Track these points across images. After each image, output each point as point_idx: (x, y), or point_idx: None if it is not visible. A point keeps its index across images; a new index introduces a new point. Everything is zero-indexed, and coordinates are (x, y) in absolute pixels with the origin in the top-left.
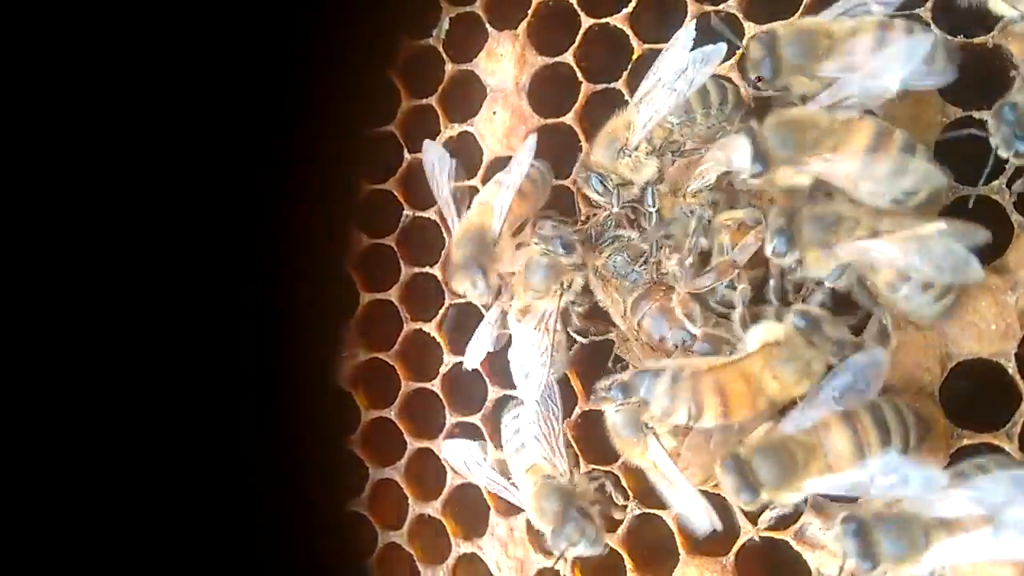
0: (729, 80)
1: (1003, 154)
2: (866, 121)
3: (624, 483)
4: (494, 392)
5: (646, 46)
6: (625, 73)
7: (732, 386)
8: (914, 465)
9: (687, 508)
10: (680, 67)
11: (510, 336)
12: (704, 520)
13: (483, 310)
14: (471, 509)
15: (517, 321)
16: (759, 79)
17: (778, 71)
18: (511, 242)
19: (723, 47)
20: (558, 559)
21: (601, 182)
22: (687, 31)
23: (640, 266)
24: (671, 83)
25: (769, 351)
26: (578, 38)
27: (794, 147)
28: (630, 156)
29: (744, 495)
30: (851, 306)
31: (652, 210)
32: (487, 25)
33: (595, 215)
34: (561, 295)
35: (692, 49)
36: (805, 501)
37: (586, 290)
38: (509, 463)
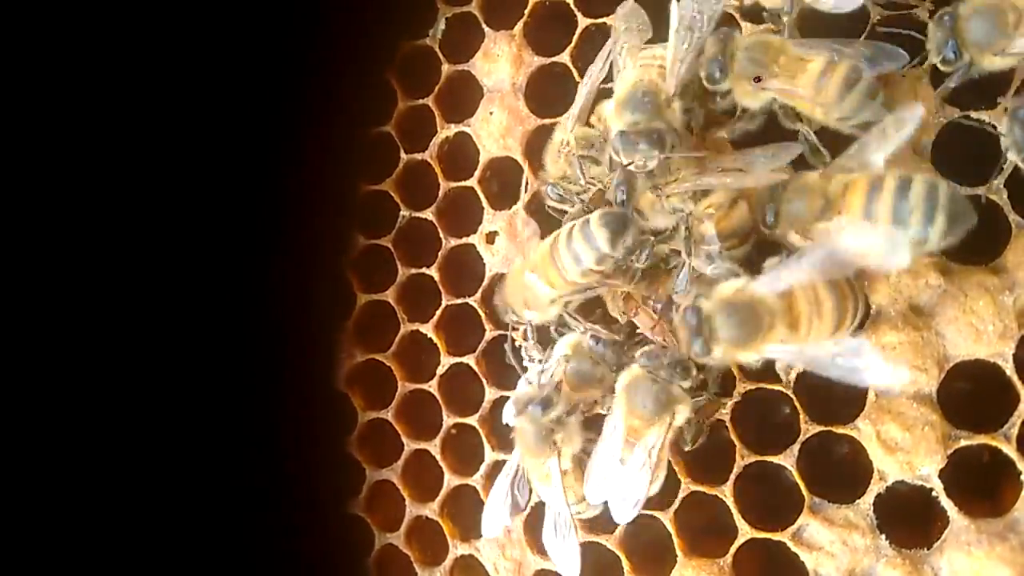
0: None
1: (1012, 157)
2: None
3: None
4: (491, 393)
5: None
6: None
7: None
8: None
9: (628, 494)
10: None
11: None
12: (630, 512)
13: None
14: (468, 510)
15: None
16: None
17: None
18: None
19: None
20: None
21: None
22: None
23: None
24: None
25: None
26: (575, 38)
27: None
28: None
29: (697, 346)
30: None
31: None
32: (484, 25)
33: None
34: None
35: None
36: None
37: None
38: None
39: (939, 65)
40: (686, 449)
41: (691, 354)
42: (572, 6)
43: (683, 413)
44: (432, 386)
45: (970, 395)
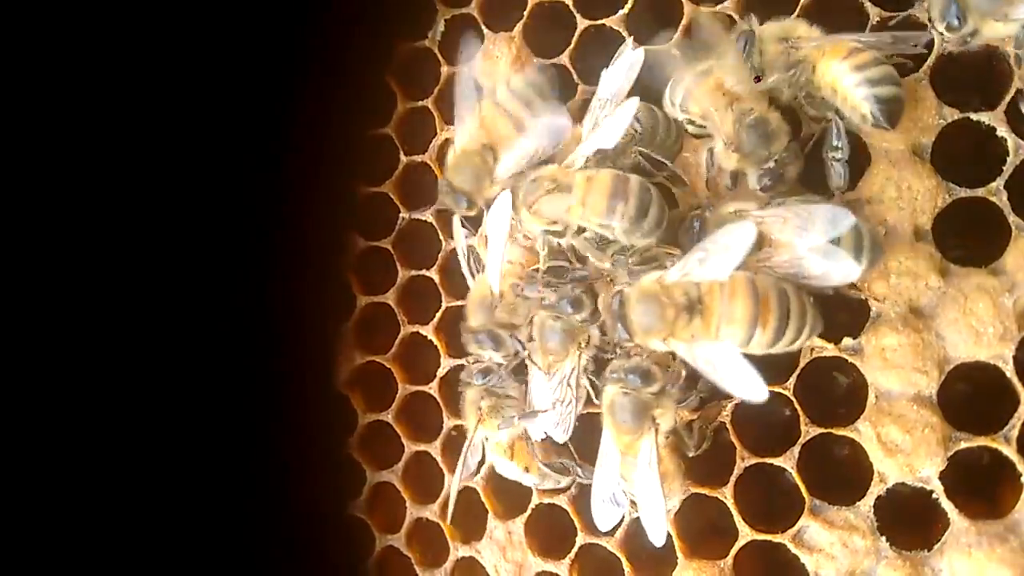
0: None
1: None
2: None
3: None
4: None
5: (642, 48)
6: None
7: None
8: None
9: (651, 513)
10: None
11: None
12: (662, 530)
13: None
14: (469, 512)
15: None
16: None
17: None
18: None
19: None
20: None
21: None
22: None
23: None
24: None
25: None
26: (574, 39)
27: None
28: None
29: (620, 331)
30: None
31: None
32: (483, 27)
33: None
34: (580, 355)
35: None
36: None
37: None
38: None
39: (944, 32)
40: (690, 455)
41: (616, 338)
42: (571, 8)
43: (666, 418)
44: (432, 388)
45: (970, 397)
